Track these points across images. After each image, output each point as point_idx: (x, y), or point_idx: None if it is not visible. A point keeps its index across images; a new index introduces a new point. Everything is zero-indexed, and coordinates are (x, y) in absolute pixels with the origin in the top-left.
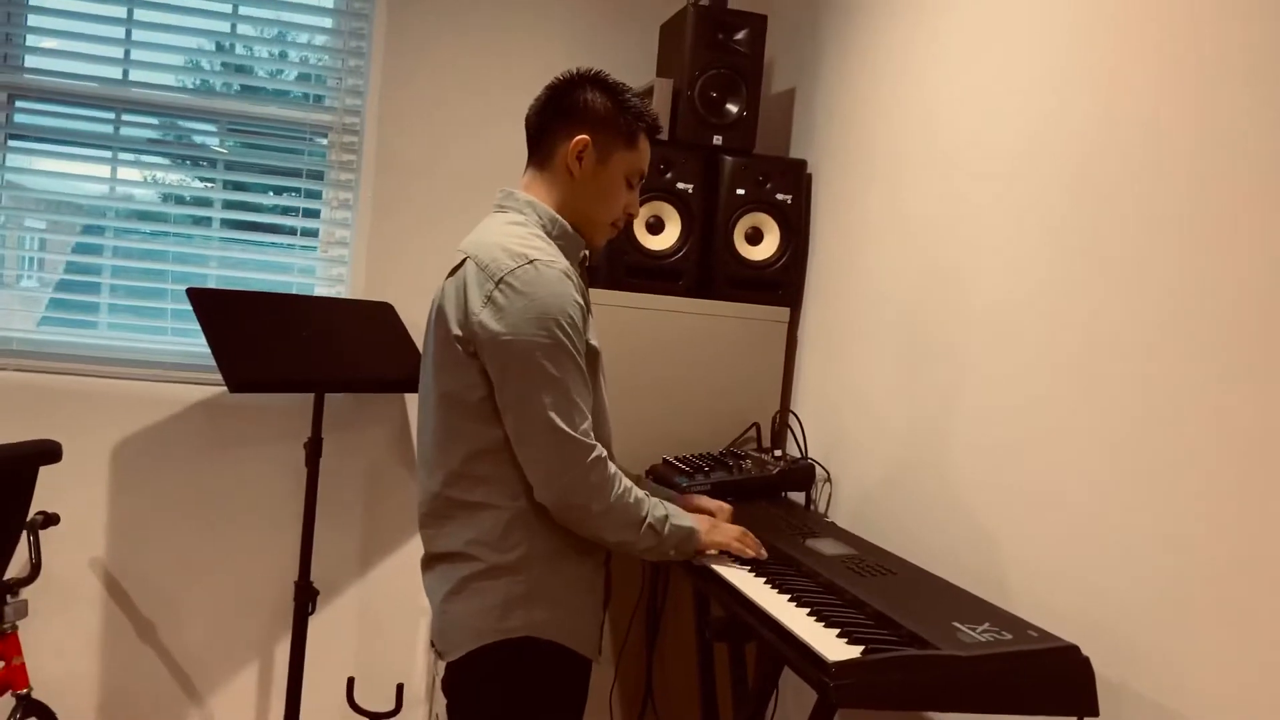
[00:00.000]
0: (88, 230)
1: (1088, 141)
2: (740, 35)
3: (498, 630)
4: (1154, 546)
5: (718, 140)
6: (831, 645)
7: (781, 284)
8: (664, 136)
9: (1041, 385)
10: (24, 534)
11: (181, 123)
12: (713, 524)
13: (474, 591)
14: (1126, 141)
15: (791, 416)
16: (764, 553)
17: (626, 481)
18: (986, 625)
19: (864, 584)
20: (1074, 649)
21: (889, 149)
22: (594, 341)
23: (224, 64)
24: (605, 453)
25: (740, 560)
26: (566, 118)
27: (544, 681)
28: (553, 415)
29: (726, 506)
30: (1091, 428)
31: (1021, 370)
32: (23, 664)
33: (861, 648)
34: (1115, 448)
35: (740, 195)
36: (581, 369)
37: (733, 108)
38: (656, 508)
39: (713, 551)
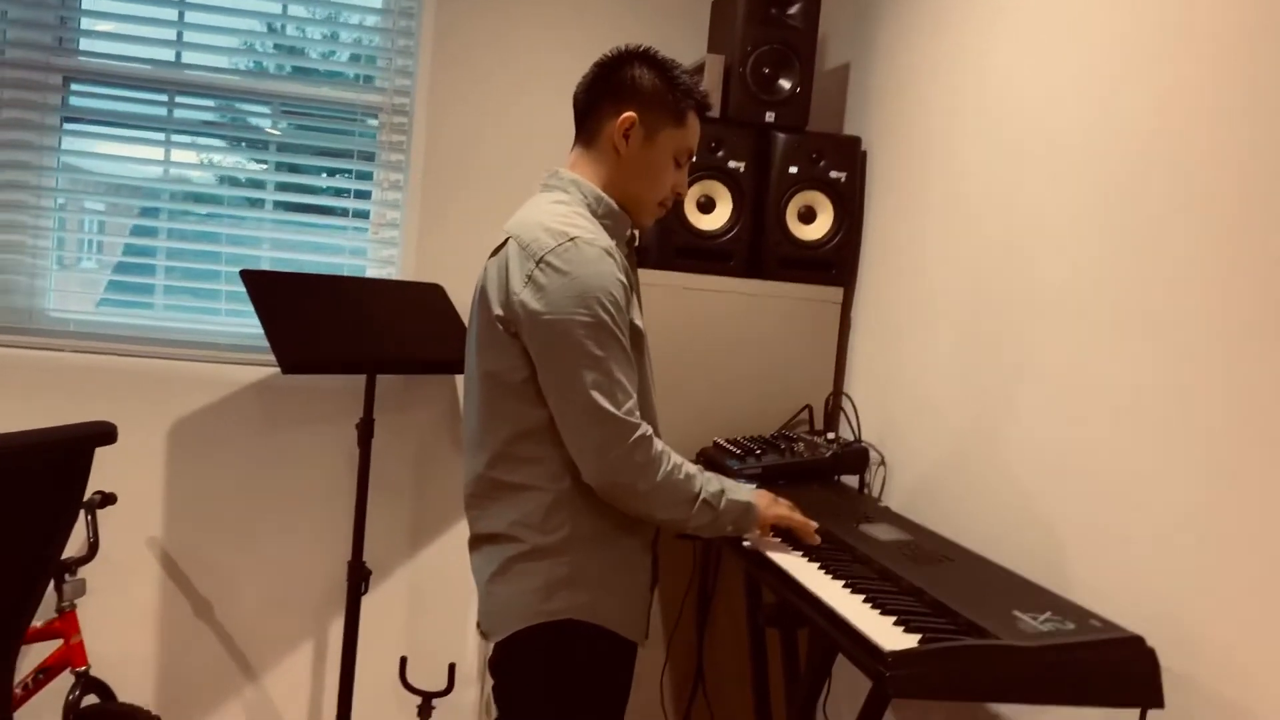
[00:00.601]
0: (142, 213)
1: (1151, 120)
2: (794, 9)
3: (541, 612)
4: (1223, 536)
5: (770, 117)
6: (888, 634)
7: (835, 264)
8: (715, 114)
9: (1104, 370)
10: (82, 513)
11: (234, 104)
12: (773, 499)
13: (518, 573)
14: (1189, 120)
15: (845, 399)
16: (817, 539)
17: (676, 458)
18: (1048, 614)
19: (921, 571)
20: (1138, 639)
21: (946, 126)
22: (638, 321)
23: (275, 45)
24: (650, 430)
25: (793, 545)
26: (614, 95)
27: (588, 663)
28: (595, 394)
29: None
30: (1156, 415)
31: (1083, 354)
32: (81, 642)
33: (919, 636)
34: (1181, 436)
35: (793, 173)
36: (624, 347)
37: (786, 84)
38: (711, 483)
39: (770, 535)
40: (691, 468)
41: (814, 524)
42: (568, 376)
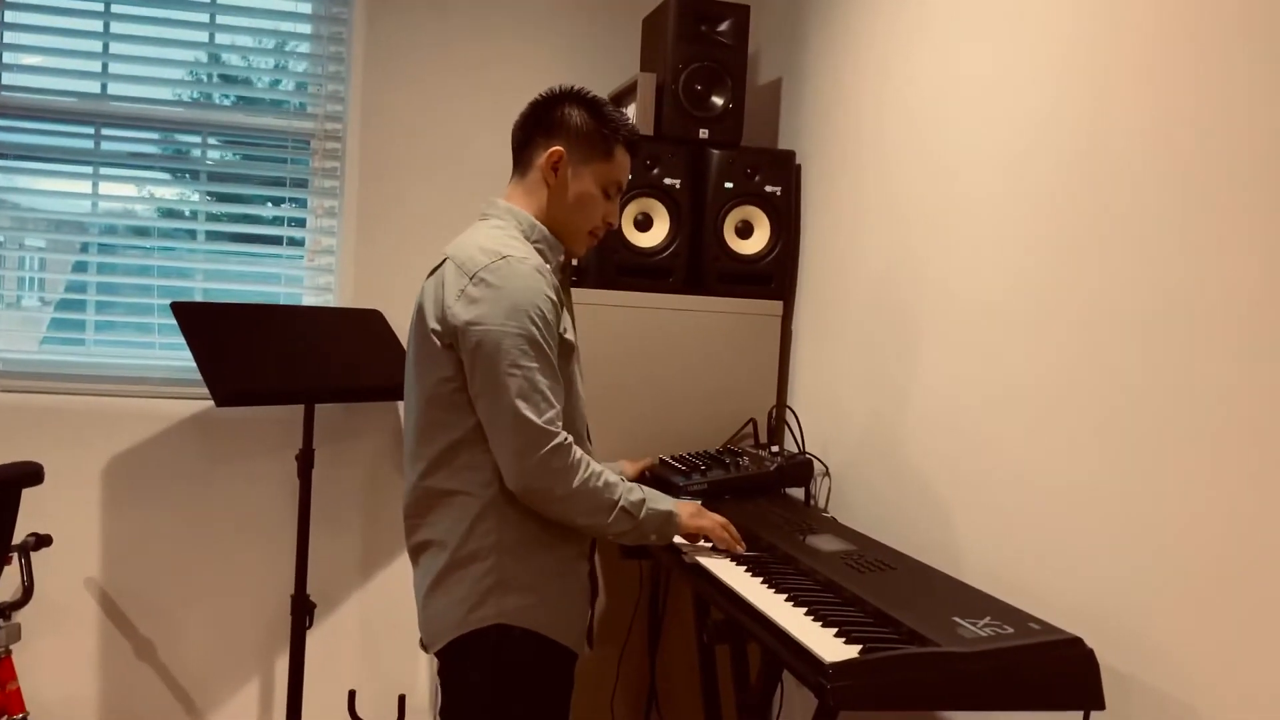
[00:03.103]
0: (69, 248)
1: (1079, 132)
2: (723, 26)
3: (471, 620)
4: (1157, 534)
5: (704, 134)
6: (829, 645)
7: (774, 277)
8: (650, 132)
9: (1038, 372)
10: (15, 557)
11: (162, 135)
12: (697, 509)
13: (451, 582)
14: (1121, 130)
15: (788, 411)
16: (742, 546)
17: (596, 467)
18: (988, 619)
19: (863, 581)
20: (1077, 641)
21: (877, 137)
22: (569, 336)
23: (203, 75)
24: (570, 439)
25: (734, 557)
26: (545, 131)
27: (522, 670)
28: (518, 401)
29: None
30: (1092, 415)
31: (1017, 357)
32: (18, 689)
33: (859, 647)
34: (1113, 434)
35: (729, 189)
36: (551, 360)
37: (718, 100)
38: (632, 492)
39: (701, 541)
40: (612, 477)
41: (737, 541)
42: (494, 384)
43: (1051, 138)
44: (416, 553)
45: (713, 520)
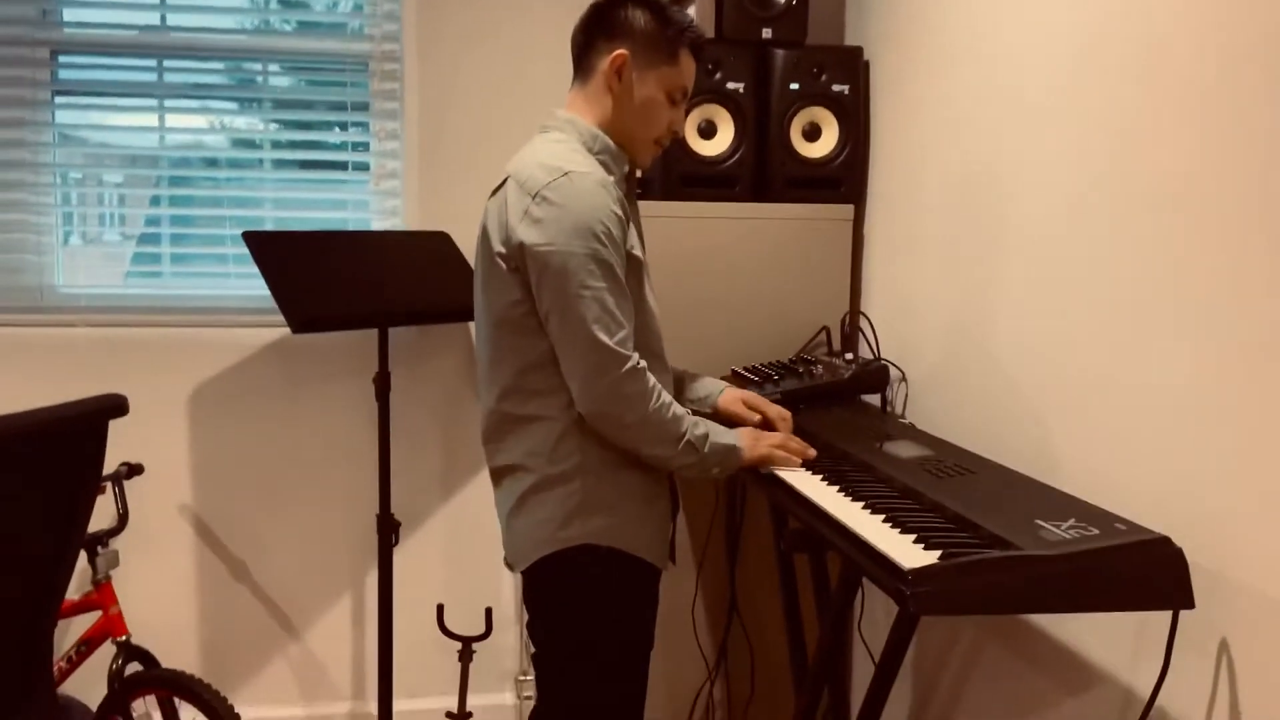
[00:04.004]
0: (142, 182)
1: (1154, 35)
2: None
3: (557, 540)
4: (1246, 431)
5: (767, 34)
6: (908, 552)
7: (843, 181)
8: (710, 35)
9: (1121, 270)
10: (110, 485)
11: (223, 64)
12: (755, 436)
13: (534, 504)
14: (1195, 40)
15: (862, 317)
16: (811, 452)
17: (667, 397)
18: (1072, 521)
19: (942, 486)
20: (1165, 540)
21: (948, 29)
22: (637, 251)
23: (259, 1)
24: (643, 364)
25: (810, 465)
26: (607, 34)
27: (609, 588)
28: (588, 324)
29: (785, 414)
30: (1177, 311)
31: (1099, 255)
32: (119, 612)
33: (939, 552)
34: (1197, 330)
35: (794, 90)
36: (619, 278)
37: None
38: (697, 426)
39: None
40: (680, 409)
41: (801, 456)
42: (563, 306)
43: (1120, 30)
44: (498, 476)
45: (770, 446)
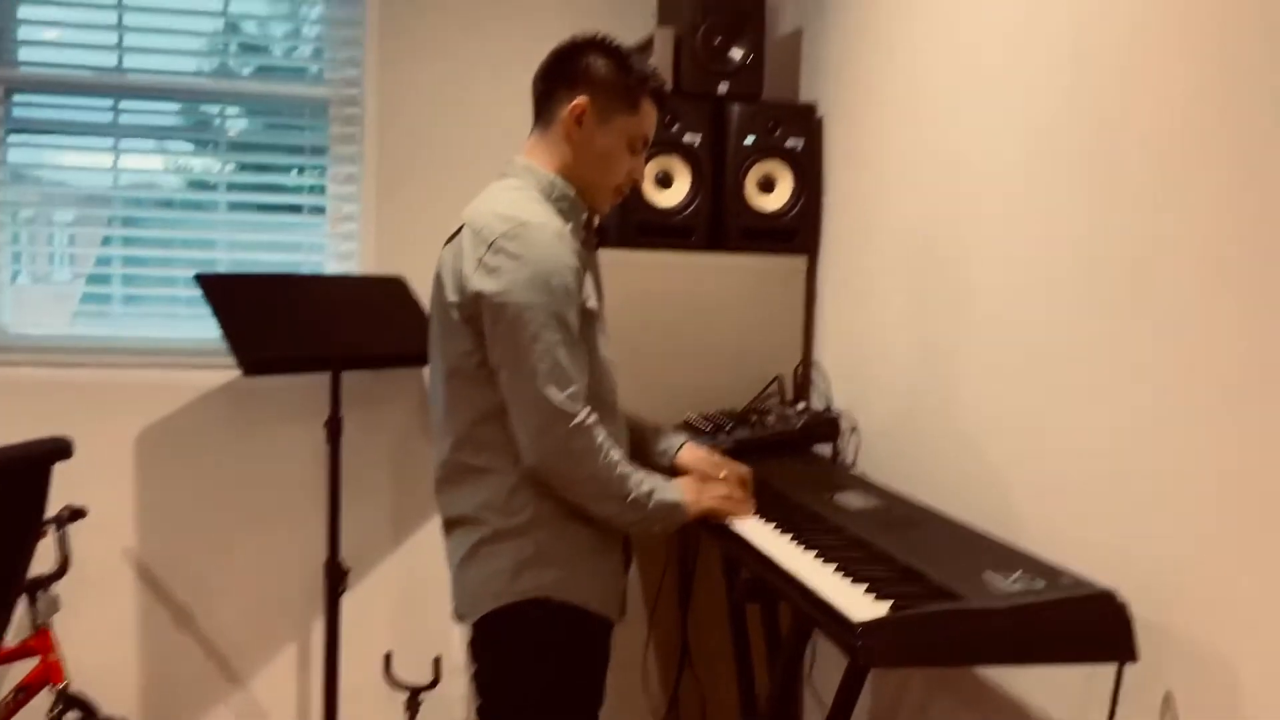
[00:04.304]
0: (94, 221)
1: (1112, 83)
2: None
3: (509, 592)
4: (1193, 485)
5: (724, 88)
6: (858, 603)
7: (797, 232)
8: (668, 88)
9: (1070, 324)
10: (52, 529)
11: (180, 106)
12: (699, 489)
13: (486, 555)
14: (1154, 83)
15: (815, 367)
16: (751, 506)
17: (616, 453)
18: (1019, 574)
19: (892, 537)
20: (1110, 595)
21: (901, 89)
22: (591, 303)
23: (219, 43)
24: (592, 418)
25: (763, 515)
26: (568, 81)
27: (560, 641)
28: (538, 378)
29: (746, 473)
30: (1125, 364)
31: (1048, 309)
32: (58, 659)
33: (889, 604)
34: (1147, 384)
35: (750, 144)
36: (572, 331)
37: (737, 54)
38: (643, 483)
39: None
40: (628, 466)
41: (745, 505)
42: (514, 359)
43: (1079, 87)
44: (450, 526)
45: (714, 498)
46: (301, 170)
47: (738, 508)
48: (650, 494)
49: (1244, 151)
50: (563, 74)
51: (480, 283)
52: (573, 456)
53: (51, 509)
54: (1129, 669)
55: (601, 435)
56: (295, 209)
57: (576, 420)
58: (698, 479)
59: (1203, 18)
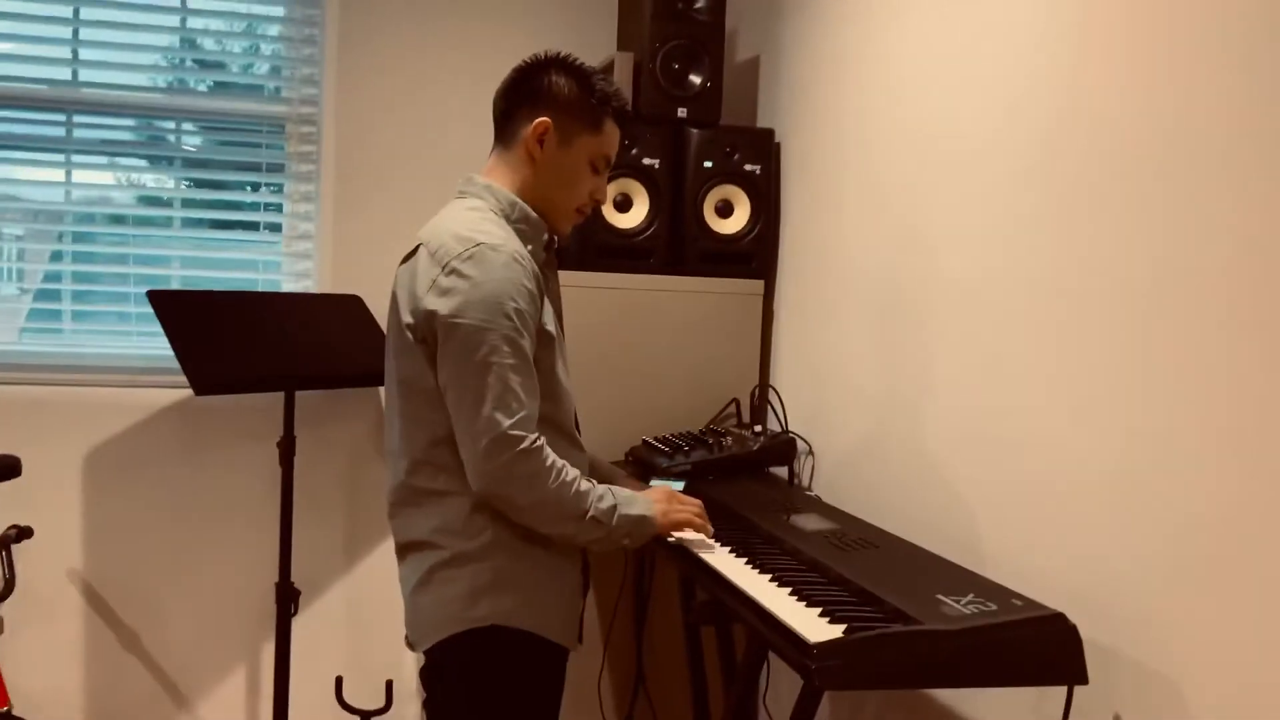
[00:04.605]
0: (45, 236)
1: (1059, 108)
2: (700, 4)
3: (465, 619)
4: (1138, 507)
5: (682, 113)
6: (813, 625)
7: (754, 256)
8: (630, 107)
9: (1018, 351)
10: None
11: (135, 121)
12: (669, 501)
13: (441, 581)
14: (1098, 106)
15: (771, 390)
16: (710, 529)
17: (569, 473)
18: (971, 596)
19: (847, 559)
20: (1060, 617)
21: (857, 115)
22: (550, 327)
23: (175, 59)
24: (540, 442)
25: (719, 537)
26: (530, 100)
27: (516, 670)
28: (485, 401)
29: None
30: (1069, 391)
31: (1001, 333)
32: (1, 681)
33: (843, 626)
34: (1092, 411)
35: (708, 168)
36: (525, 355)
37: (696, 79)
38: (604, 498)
39: (677, 533)
40: (585, 484)
41: (709, 527)
42: (461, 381)
43: (1032, 108)
44: (404, 551)
45: (688, 512)
46: (258, 188)
47: (705, 527)
48: (613, 509)
49: (1228, 178)
50: (524, 93)
51: (434, 303)
52: (519, 481)
53: None
54: (1079, 691)
55: (551, 457)
56: (251, 226)
57: (523, 445)
58: (665, 497)
59: (1164, 36)
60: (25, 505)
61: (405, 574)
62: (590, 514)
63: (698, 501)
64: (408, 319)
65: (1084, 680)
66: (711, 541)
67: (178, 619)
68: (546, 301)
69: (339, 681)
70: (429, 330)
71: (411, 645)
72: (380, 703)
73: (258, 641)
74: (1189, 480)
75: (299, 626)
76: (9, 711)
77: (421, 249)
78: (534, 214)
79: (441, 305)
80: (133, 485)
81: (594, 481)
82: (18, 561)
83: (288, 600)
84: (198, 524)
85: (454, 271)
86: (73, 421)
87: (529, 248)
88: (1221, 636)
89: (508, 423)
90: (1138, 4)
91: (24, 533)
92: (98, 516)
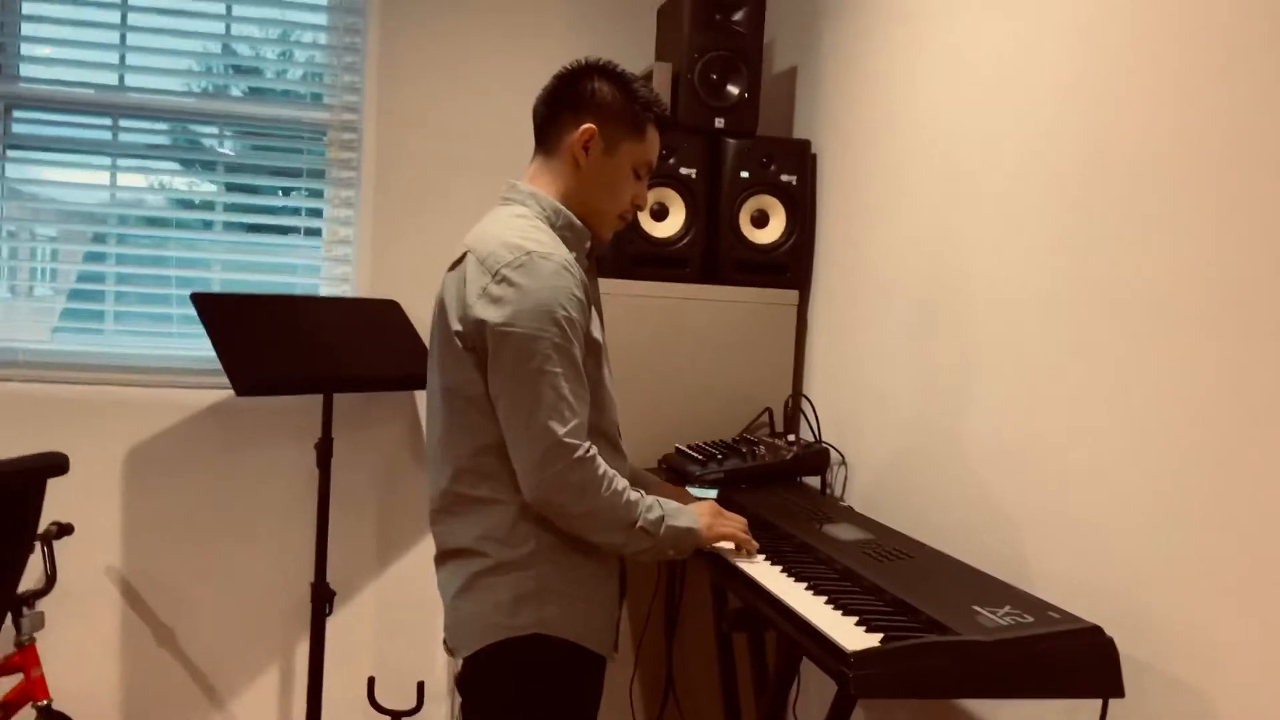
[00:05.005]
0: (91, 238)
1: (1094, 116)
2: (738, 15)
3: (508, 627)
4: (1179, 522)
5: (720, 123)
6: (850, 634)
7: (789, 266)
8: (669, 113)
9: (1056, 359)
10: (38, 545)
11: (179, 126)
12: (715, 515)
13: (484, 588)
14: (1142, 117)
15: (804, 400)
16: (754, 544)
17: (619, 483)
18: (1007, 608)
19: (882, 569)
20: (1097, 630)
21: (893, 127)
22: (596, 334)
23: (219, 65)
24: (592, 451)
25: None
26: (573, 107)
27: (556, 679)
28: (540, 411)
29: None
30: (1109, 404)
31: (1035, 344)
32: (42, 676)
33: (880, 635)
34: (1131, 424)
35: (744, 178)
36: (576, 363)
37: (734, 89)
38: (652, 509)
39: (721, 544)
40: (634, 494)
41: (754, 543)
42: (514, 389)
43: (1066, 124)
44: (446, 558)
45: (733, 525)
46: (298, 192)
47: (750, 543)
48: (660, 520)
49: (1268, 194)
50: (567, 99)
51: (484, 311)
52: (573, 490)
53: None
54: (1114, 705)
55: (603, 467)
56: (291, 230)
57: (578, 454)
58: (711, 511)
59: (1200, 50)
60: (66, 502)
61: (445, 580)
62: (639, 524)
63: (742, 519)
64: (456, 326)
65: (1120, 694)
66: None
67: (213, 617)
68: (593, 309)
69: (371, 682)
70: (479, 338)
71: (451, 651)
72: (411, 704)
73: (292, 641)
74: (1231, 499)
75: (333, 627)
76: (49, 705)
77: (470, 256)
78: (578, 221)
79: (492, 313)
80: (171, 484)
81: (642, 492)
82: (58, 558)
83: (323, 601)
84: (235, 523)
85: (504, 280)
86: (114, 420)
87: (573, 254)
88: (1258, 656)
89: (562, 431)
90: (1179, 19)
91: (65, 529)
92: (137, 514)
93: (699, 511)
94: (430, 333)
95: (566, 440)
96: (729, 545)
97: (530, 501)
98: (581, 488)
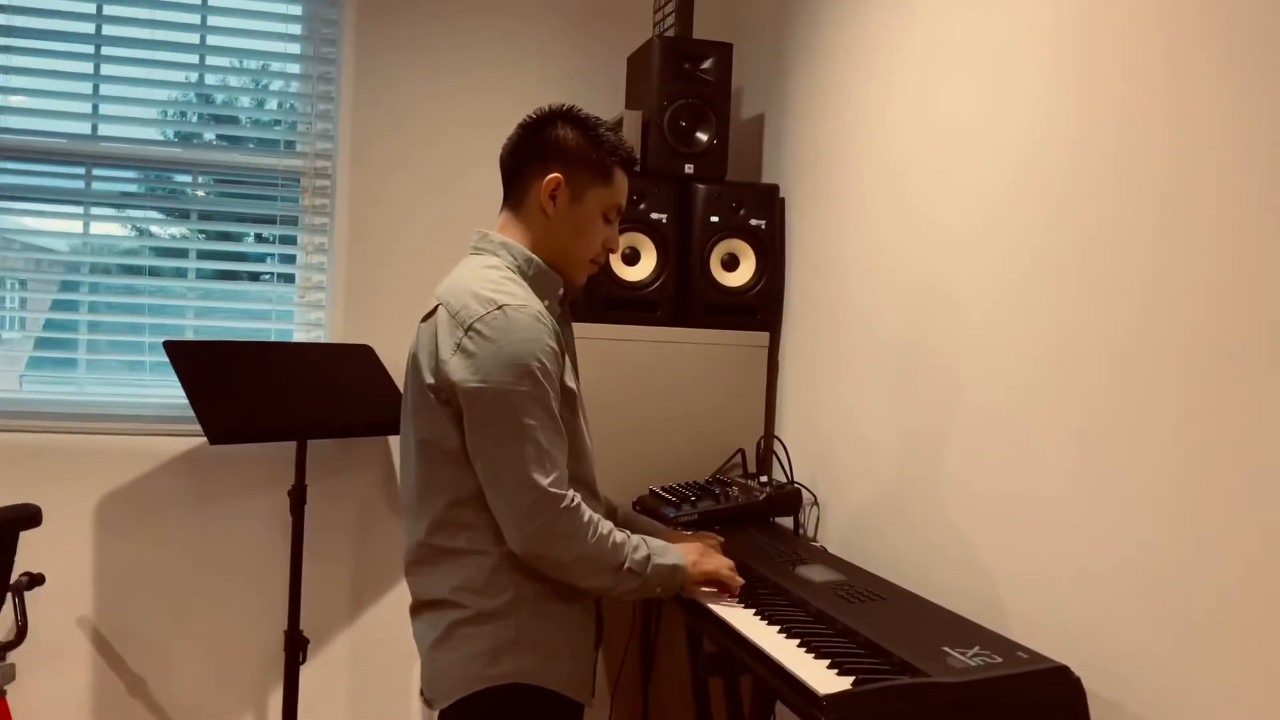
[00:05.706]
0: (63, 285)
1: (1060, 159)
2: (707, 64)
3: (486, 677)
4: (1147, 564)
5: (689, 169)
6: (822, 677)
7: (759, 309)
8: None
9: (1020, 400)
10: (9, 597)
11: (153, 174)
12: (702, 553)
13: (462, 638)
14: (1100, 154)
15: (776, 441)
16: (739, 581)
17: (604, 526)
18: (976, 649)
19: (854, 611)
20: (1064, 669)
21: (859, 171)
22: (571, 383)
23: (193, 115)
24: (577, 499)
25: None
26: (539, 155)
27: None
28: (521, 463)
29: (715, 538)
30: (1076, 443)
31: (1000, 385)
32: None
33: (852, 678)
34: (1103, 467)
35: (714, 222)
36: (553, 415)
37: (703, 136)
38: (638, 549)
39: (705, 586)
40: (620, 535)
41: (740, 580)
42: (495, 444)
43: (1034, 165)
44: (422, 609)
45: (719, 563)
46: (271, 239)
47: (734, 579)
48: (647, 559)
49: (1236, 238)
50: (532, 148)
51: (457, 367)
52: (563, 539)
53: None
54: None
55: (588, 513)
56: (265, 276)
57: (564, 504)
58: (696, 549)
59: (1152, 94)
60: (38, 552)
61: (421, 630)
62: (626, 565)
63: (728, 560)
64: (429, 380)
65: None
66: (718, 593)
67: (186, 666)
68: (566, 357)
69: None
70: (453, 392)
71: (428, 702)
72: None
73: (266, 689)
74: (1198, 540)
75: (307, 675)
76: None
77: (441, 309)
78: (549, 269)
79: (466, 367)
80: (144, 533)
81: (628, 532)
82: (29, 609)
83: (297, 648)
84: (208, 572)
85: (477, 333)
86: (85, 469)
87: (545, 303)
88: (1224, 697)
89: (546, 482)
90: (1132, 76)
91: (36, 580)
92: (108, 564)
93: (684, 550)
94: (404, 384)
95: (552, 491)
96: (712, 586)
97: (519, 554)
98: (569, 536)
